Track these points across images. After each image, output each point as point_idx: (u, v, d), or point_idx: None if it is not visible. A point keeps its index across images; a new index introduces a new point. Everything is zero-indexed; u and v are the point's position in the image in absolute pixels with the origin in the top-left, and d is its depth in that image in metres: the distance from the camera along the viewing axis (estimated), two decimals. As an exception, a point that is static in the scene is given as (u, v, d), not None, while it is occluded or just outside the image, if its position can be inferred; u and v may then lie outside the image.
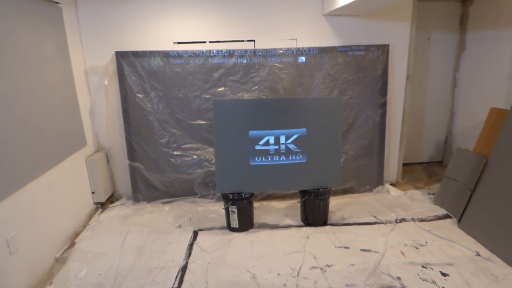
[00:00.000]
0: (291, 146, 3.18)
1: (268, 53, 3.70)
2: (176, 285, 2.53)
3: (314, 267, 2.70)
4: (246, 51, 3.67)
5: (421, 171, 4.83)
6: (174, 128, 3.79)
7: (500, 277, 2.52)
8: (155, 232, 3.27)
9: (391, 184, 4.33)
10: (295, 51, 3.71)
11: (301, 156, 3.21)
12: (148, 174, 3.85)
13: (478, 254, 2.80)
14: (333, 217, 3.50)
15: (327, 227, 3.31)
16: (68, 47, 3.30)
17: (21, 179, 2.49)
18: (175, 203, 3.88)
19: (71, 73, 3.34)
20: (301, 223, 3.41)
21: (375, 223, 3.38)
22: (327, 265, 2.72)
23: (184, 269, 2.72)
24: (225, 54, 3.66)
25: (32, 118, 2.64)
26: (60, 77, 3.13)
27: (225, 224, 3.36)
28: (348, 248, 2.96)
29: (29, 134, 2.60)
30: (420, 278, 2.54)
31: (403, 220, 3.42)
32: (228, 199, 3.20)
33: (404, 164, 4.64)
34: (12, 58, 2.46)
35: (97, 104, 3.78)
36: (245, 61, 3.69)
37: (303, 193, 3.33)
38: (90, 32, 3.59)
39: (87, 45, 3.62)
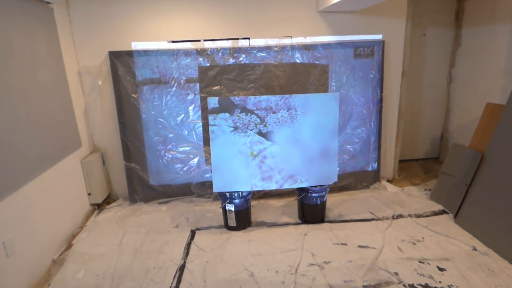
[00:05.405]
0: (288, 143, 3.17)
1: (263, 51, 3.69)
2: (174, 284, 2.53)
3: (312, 264, 2.70)
4: (241, 49, 3.66)
5: (418, 167, 4.85)
6: (169, 127, 3.77)
7: (496, 271, 2.54)
8: (152, 232, 3.26)
9: (388, 181, 4.34)
10: (290, 49, 3.70)
11: (297, 153, 3.20)
12: (144, 175, 3.84)
13: (475, 249, 2.82)
14: (330, 214, 3.51)
15: (325, 224, 3.31)
16: (61, 47, 3.27)
17: (16, 181, 2.48)
18: (172, 203, 3.87)
19: (65, 74, 3.32)
20: (299, 221, 3.41)
21: (372, 219, 3.38)
22: (325, 262, 2.72)
23: (182, 268, 2.71)
24: (220, 52, 3.65)
25: (25, 120, 2.62)
26: (54, 78, 3.10)
27: (222, 223, 3.36)
28: (345, 244, 2.96)
29: (23, 135, 2.57)
30: (417, 273, 2.55)
31: (400, 216, 3.42)
32: (225, 198, 3.20)
33: (401, 161, 4.66)
34: (5, 59, 2.44)
35: (91, 105, 3.76)
36: (240, 59, 3.68)
37: (300, 190, 3.33)
38: (83, 32, 3.56)
39: (80, 46, 3.59)
